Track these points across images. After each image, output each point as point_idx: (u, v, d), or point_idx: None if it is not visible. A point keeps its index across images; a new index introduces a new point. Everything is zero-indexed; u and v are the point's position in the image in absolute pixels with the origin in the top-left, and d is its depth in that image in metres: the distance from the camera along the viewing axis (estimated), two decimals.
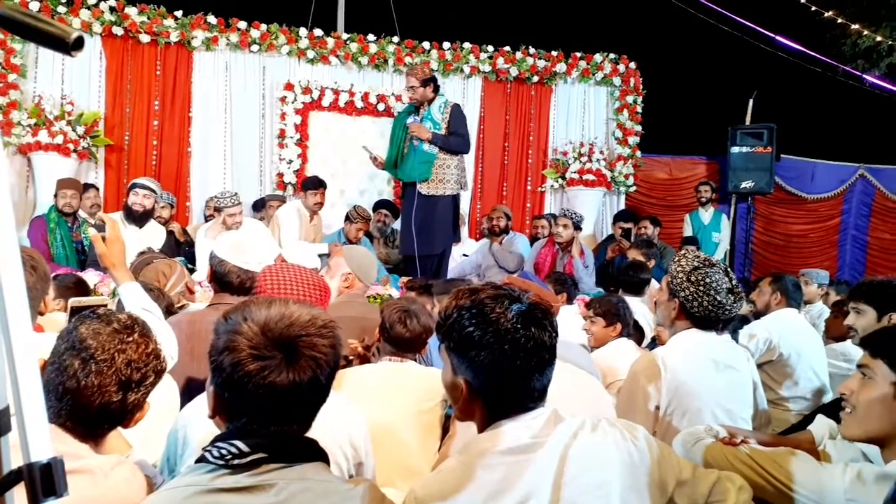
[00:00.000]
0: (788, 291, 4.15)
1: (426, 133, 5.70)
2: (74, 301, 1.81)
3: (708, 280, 2.42)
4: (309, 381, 1.26)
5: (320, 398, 1.33)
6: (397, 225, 6.87)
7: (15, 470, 0.87)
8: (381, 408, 2.36)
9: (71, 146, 6.91)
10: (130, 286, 2.24)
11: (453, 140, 5.83)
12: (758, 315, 4.30)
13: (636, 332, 3.89)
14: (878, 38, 9.56)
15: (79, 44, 0.90)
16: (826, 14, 9.20)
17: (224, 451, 1.23)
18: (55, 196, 5.93)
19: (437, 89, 5.85)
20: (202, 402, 1.82)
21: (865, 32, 9.53)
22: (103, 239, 2.22)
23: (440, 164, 5.82)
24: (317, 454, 1.32)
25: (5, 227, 0.88)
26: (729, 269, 2.53)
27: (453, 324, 1.44)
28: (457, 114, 5.89)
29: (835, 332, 4.42)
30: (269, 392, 1.23)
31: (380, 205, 7.14)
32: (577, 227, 6.35)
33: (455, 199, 6.02)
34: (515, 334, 1.39)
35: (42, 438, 0.87)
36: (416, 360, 2.76)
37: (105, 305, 1.73)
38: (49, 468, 0.86)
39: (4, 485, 0.89)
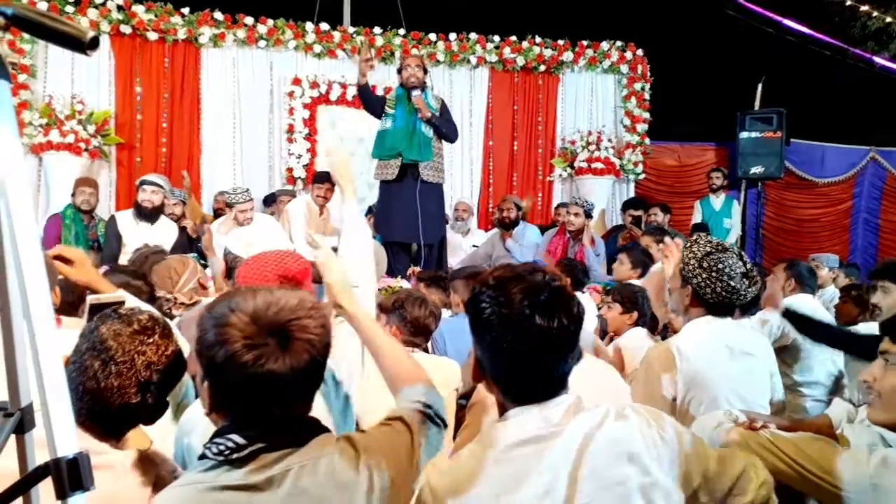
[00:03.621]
0: (803, 277, 4.14)
1: (428, 110, 5.67)
2: (93, 298, 1.81)
3: (721, 266, 2.37)
4: (306, 364, 1.25)
5: (319, 377, 1.33)
6: None
7: (42, 465, 0.89)
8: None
9: (82, 145, 6.97)
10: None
11: (450, 125, 5.82)
12: None
13: (652, 322, 3.89)
14: (888, 20, 9.47)
15: (94, 43, 0.91)
16: None
17: (222, 447, 1.22)
18: (72, 195, 6.01)
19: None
20: (199, 408, 1.81)
21: (875, 14, 9.44)
22: (67, 261, 2.17)
23: (437, 151, 5.82)
24: (317, 433, 1.31)
25: (27, 226, 0.89)
26: (743, 253, 2.48)
27: (475, 300, 1.42)
28: (446, 107, 5.94)
29: (845, 317, 4.41)
30: (268, 380, 1.21)
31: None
32: (588, 216, 6.34)
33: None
34: (521, 317, 1.34)
35: (68, 434, 0.89)
36: (426, 350, 2.80)
37: (123, 302, 1.73)
38: (76, 463, 0.88)
39: (32, 479, 0.90)
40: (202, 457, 1.26)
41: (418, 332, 2.66)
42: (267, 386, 1.22)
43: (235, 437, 1.23)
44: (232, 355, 1.20)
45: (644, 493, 1.33)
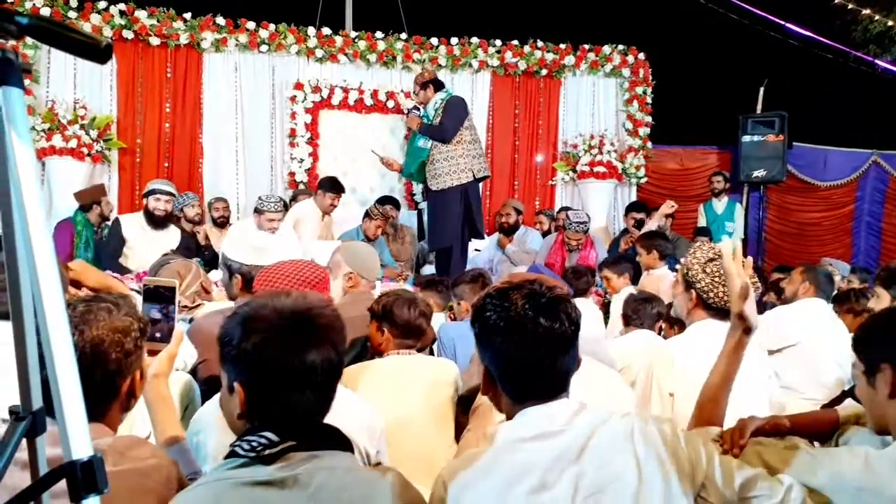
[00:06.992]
0: (819, 282, 4.12)
1: (415, 122, 5.85)
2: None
3: (723, 271, 2.44)
4: (329, 352, 1.31)
5: (338, 370, 1.38)
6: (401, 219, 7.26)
7: (57, 468, 0.90)
8: (395, 403, 2.37)
9: (85, 150, 6.99)
10: None
11: (433, 129, 5.71)
12: (785, 303, 4.31)
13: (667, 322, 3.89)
14: (890, 23, 9.48)
15: (108, 51, 0.92)
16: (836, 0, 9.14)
17: (255, 444, 1.25)
18: (91, 206, 6.20)
19: (438, 89, 5.83)
20: (214, 406, 1.83)
21: (877, 17, 9.45)
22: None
23: (444, 156, 5.64)
24: (341, 442, 1.36)
25: (41, 231, 0.90)
26: None
27: (480, 309, 1.50)
28: (448, 106, 5.71)
29: (849, 326, 4.36)
30: (300, 368, 1.27)
31: (384, 201, 7.02)
32: (586, 231, 6.48)
33: (465, 190, 5.72)
34: (524, 320, 1.43)
35: (82, 436, 0.89)
36: (425, 353, 2.80)
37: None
38: (90, 465, 0.89)
39: (46, 482, 0.91)
40: (231, 454, 1.28)
41: (410, 334, 2.65)
42: (297, 375, 1.28)
43: (269, 434, 1.26)
44: (262, 343, 1.27)
45: (645, 489, 1.36)
